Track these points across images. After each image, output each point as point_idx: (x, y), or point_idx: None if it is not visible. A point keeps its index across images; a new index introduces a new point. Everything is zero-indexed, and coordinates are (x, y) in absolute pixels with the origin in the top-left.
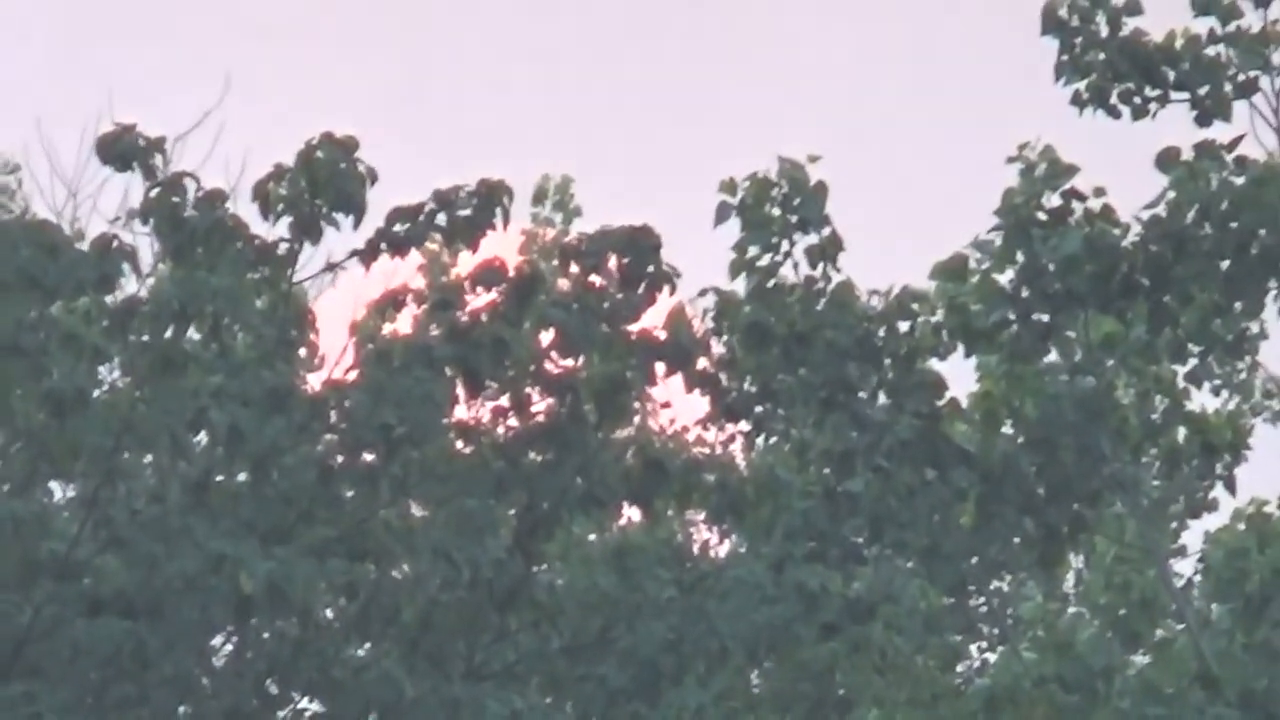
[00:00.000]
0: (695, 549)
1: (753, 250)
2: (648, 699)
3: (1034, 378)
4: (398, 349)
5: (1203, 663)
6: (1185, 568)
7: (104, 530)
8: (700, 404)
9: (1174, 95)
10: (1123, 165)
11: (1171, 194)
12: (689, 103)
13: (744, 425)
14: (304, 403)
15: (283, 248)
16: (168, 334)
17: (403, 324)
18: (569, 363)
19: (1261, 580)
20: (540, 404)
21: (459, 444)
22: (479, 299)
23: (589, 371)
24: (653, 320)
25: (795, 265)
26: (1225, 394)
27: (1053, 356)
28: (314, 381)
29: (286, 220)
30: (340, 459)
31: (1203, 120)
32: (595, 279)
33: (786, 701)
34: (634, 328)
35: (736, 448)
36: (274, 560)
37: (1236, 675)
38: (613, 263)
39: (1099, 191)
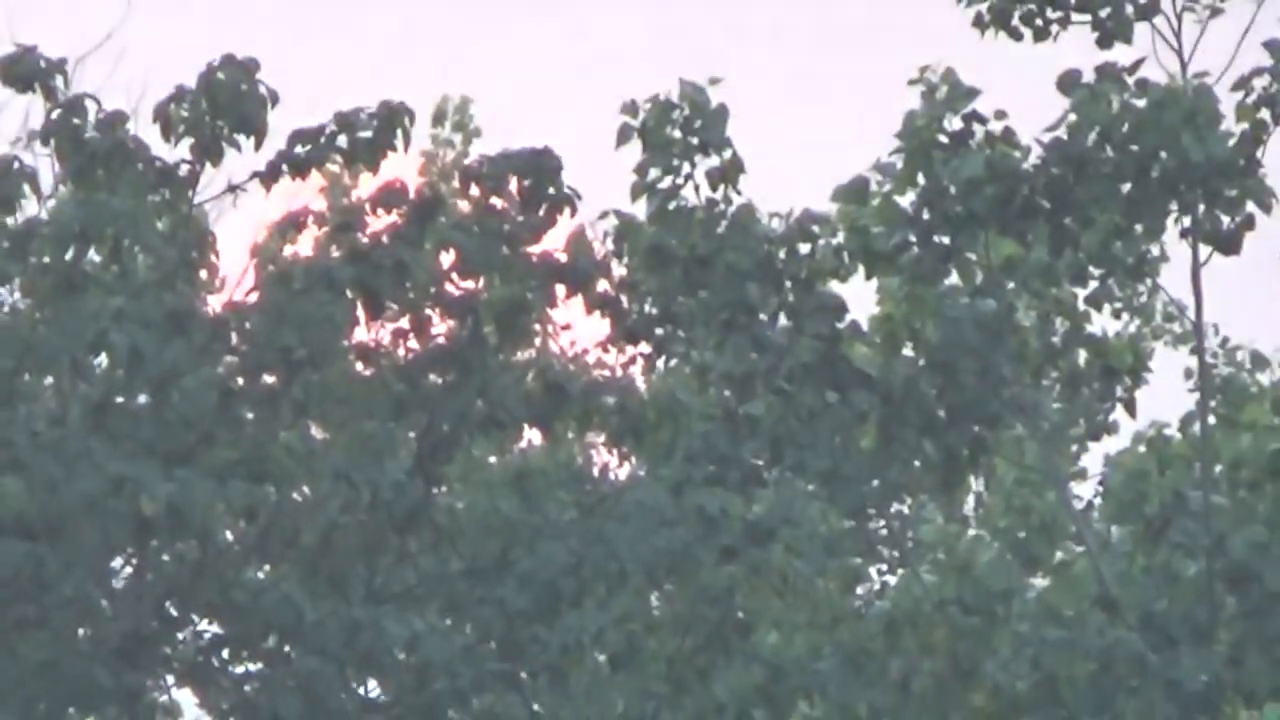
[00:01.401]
0: (595, 472)
1: (654, 173)
2: (547, 621)
3: (934, 300)
4: (298, 271)
5: (1102, 585)
6: (1085, 490)
7: (3, 452)
8: (601, 326)
9: (1075, 17)
10: (1024, 88)
11: (1072, 116)
12: (590, 21)
13: (644, 348)
14: (204, 325)
15: (184, 170)
16: (68, 256)
17: (303, 246)
18: (469, 285)
19: (1161, 503)
20: (441, 326)
21: (359, 366)
22: (379, 221)
23: (490, 294)
24: (553, 242)
25: (696, 188)
26: (1126, 317)
27: (953, 279)
28: (215, 304)
29: (188, 142)
30: (241, 381)
31: (1104, 42)
32: (496, 201)
33: (686, 624)
34: (535, 250)
35: (637, 370)
36: (174, 482)
37: (1136, 598)
38: (513, 185)
39: (1000, 114)
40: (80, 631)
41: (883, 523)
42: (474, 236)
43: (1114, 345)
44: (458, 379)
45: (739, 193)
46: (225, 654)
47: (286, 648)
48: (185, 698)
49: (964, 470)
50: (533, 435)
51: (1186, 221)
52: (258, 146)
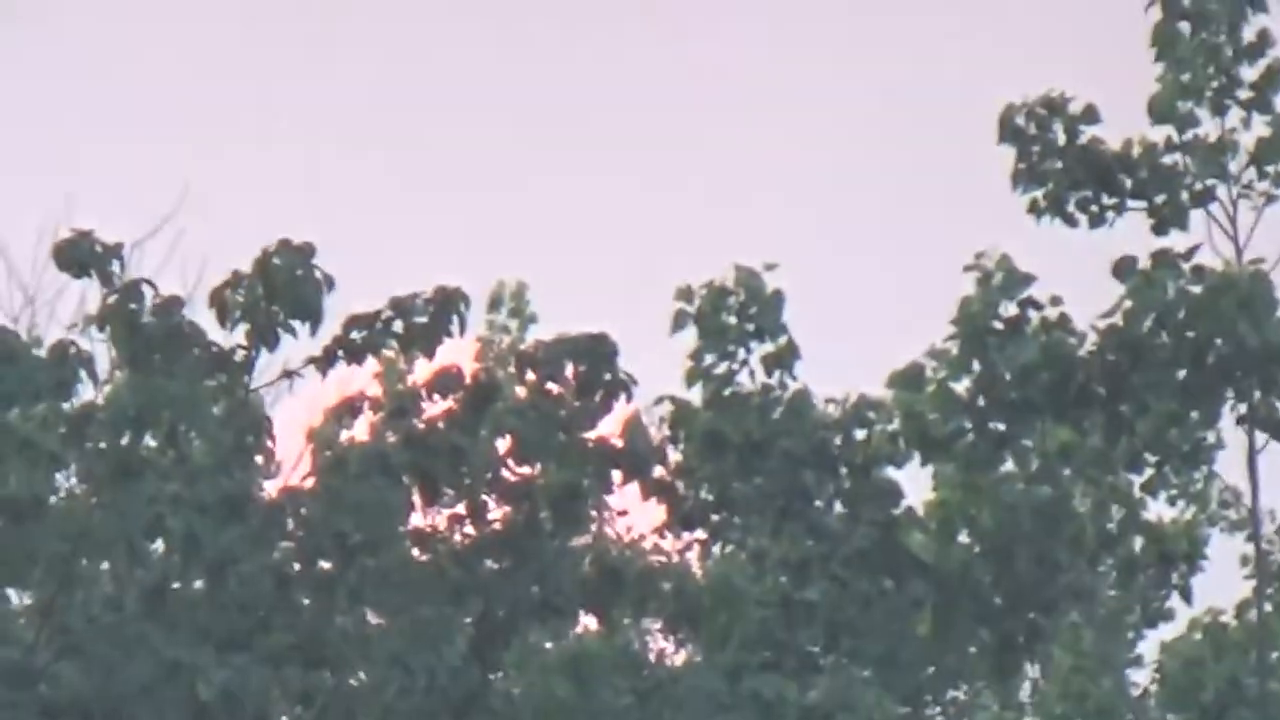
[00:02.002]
0: (651, 657)
1: (709, 358)
2: None
3: (990, 487)
4: (354, 456)
5: None
6: (1141, 677)
7: (60, 637)
8: (657, 512)
9: (1131, 204)
10: (1079, 274)
11: (1128, 303)
12: (646, 209)
13: (700, 533)
14: (261, 510)
15: (239, 354)
16: (124, 441)
17: (359, 431)
18: (526, 470)
19: (1217, 690)
20: (497, 511)
21: (415, 552)
22: (435, 406)
23: (546, 479)
24: (609, 428)
25: (751, 373)
26: (1181, 503)
27: (1009, 465)
28: (270, 489)
29: (243, 327)
30: (297, 566)
31: (1159, 229)
32: (552, 386)
33: None
34: (590, 435)
35: (693, 556)
36: (230, 668)
37: None
38: (569, 370)
39: (1055, 300)
40: None
41: (938, 710)
42: (530, 422)
43: (1170, 531)
44: (514, 564)
45: (794, 378)
46: None
47: None
48: None
49: (1020, 657)
50: (589, 621)
51: (1242, 408)
52: (313, 331)
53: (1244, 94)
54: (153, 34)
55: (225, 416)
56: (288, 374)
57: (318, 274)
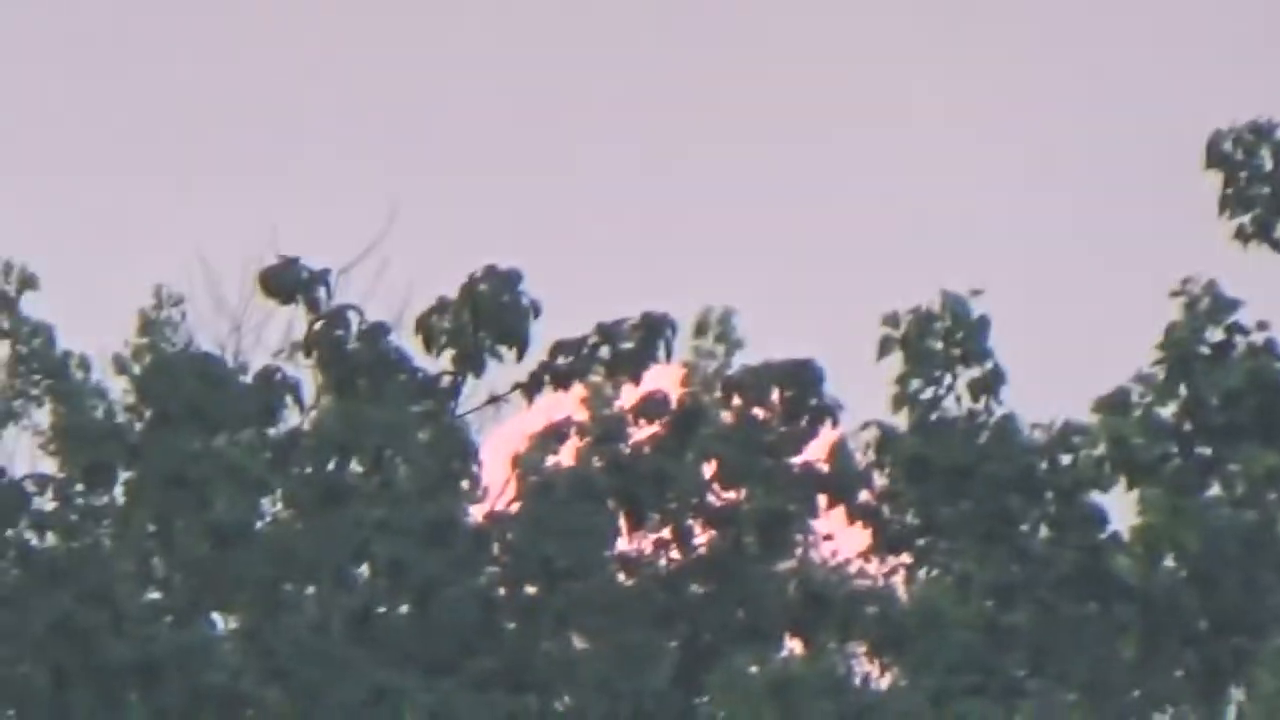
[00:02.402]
0: (857, 681)
1: (915, 383)
2: None
3: (1196, 511)
4: (560, 481)
5: None
6: None
7: (266, 661)
8: (862, 536)
9: None
10: None
11: None
12: (853, 235)
13: (906, 558)
14: (466, 535)
15: (445, 380)
16: (330, 466)
17: (565, 456)
18: (731, 495)
19: None
20: (702, 536)
21: (621, 576)
22: (641, 431)
23: (751, 503)
24: (815, 453)
25: (957, 398)
26: None
27: (1215, 490)
28: (476, 514)
29: (449, 353)
30: (502, 591)
31: None
32: (758, 411)
33: None
34: (796, 460)
35: (898, 580)
36: (436, 692)
37: None
38: (775, 395)
39: (1262, 325)
40: None
41: None
42: (735, 447)
43: None
44: (719, 589)
45: (1000, 403)
46: None
47: None
48: None
49: (1225, 680)
50: (794, 645)
51: None
52: (520, 357)
53: None
54: (354, 56)
55: (431, 442)
56: (494, 399)
57: (524, 300)
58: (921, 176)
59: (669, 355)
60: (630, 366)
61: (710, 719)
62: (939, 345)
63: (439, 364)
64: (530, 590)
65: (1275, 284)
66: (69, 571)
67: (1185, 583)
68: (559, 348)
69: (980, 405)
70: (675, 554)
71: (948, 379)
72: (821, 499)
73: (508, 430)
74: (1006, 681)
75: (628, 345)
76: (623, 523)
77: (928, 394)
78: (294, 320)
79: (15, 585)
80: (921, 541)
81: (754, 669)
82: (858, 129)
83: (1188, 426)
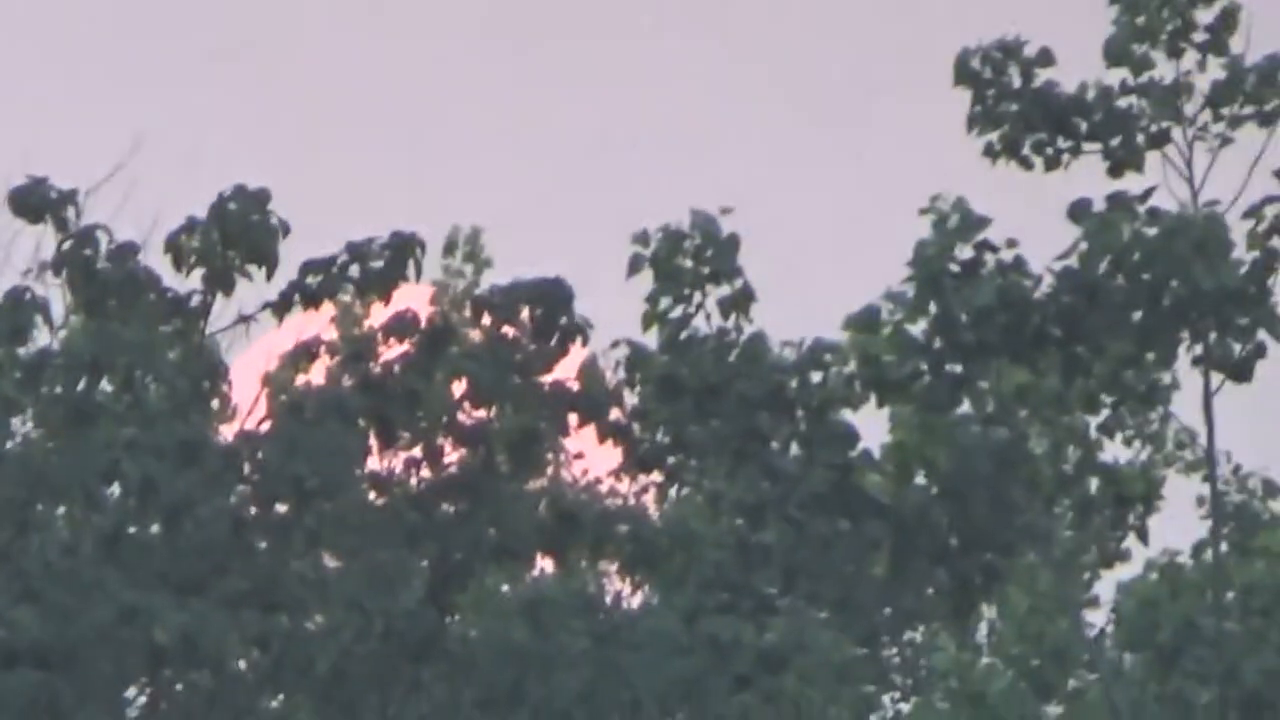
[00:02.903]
0: (608, 600)
1: (665, 302)
2: None
3: (947, 429)
4: (310, 401)
5: (1115, 713)
6: (1098, 618)
7: (17, 582)
8: (613, 455)
9: (1086, 146)
10: (1035, 217)
11: (1084, 245)
12: (600, 151)
13: (656, 476)
14: (217, 454)
15: (196, 300)
16: (80, 386)
17: (315, 375)
18: (482, 414)
19: (1173, 630)
20: (453, 455)
21: (372, 495)
22: (391, 350)
23: (502, 423)
24: (565, 372)
25: (708, 317)
26: (1138, 445)
27: (965, 407)
28: (227, 433)
29: (199, 272)
30: (253, 510)
31: (1115, 171)
32: (508, 330)
33: None
34: (547, 379)
35: (649, 499)
36: (187, 612)
37: None
38: (525, 314)
39: (1011, 243)
40: None
41: (895, 651)
42: (486, 365)
43: (1126, 473)
44: (470, 508)
45: (750, 321)
46: None
47: None
48: None
49: (976, 598)
50: (545, 564)
51: (1198, 349)
52: (269, 277)
53: (1199, 36)
54: None
55: (181, 362)
56: (244, 319)
57: (273, 220)
58: (669, 89)
59: (419, 274)
60: (380, 286)
61: (461, 638)
62: (689, 263)
63: (189, 284)
64: (281, 509)
65: (1024, 201)
66: None
67: (936, 500)
68: (308, 267)
69: (730, 324)
70: (426, 473)
71: (698, 297)
72: (572, 418)
73: (258, 350)
74: (758, 599)
75: (377, 264)
76: (373, 442)
77: (678, 312)
78: (43, 240)
79: None
80: (672, 460)
81: (505, 588)
82: (606, 40)
83: (938, 344)
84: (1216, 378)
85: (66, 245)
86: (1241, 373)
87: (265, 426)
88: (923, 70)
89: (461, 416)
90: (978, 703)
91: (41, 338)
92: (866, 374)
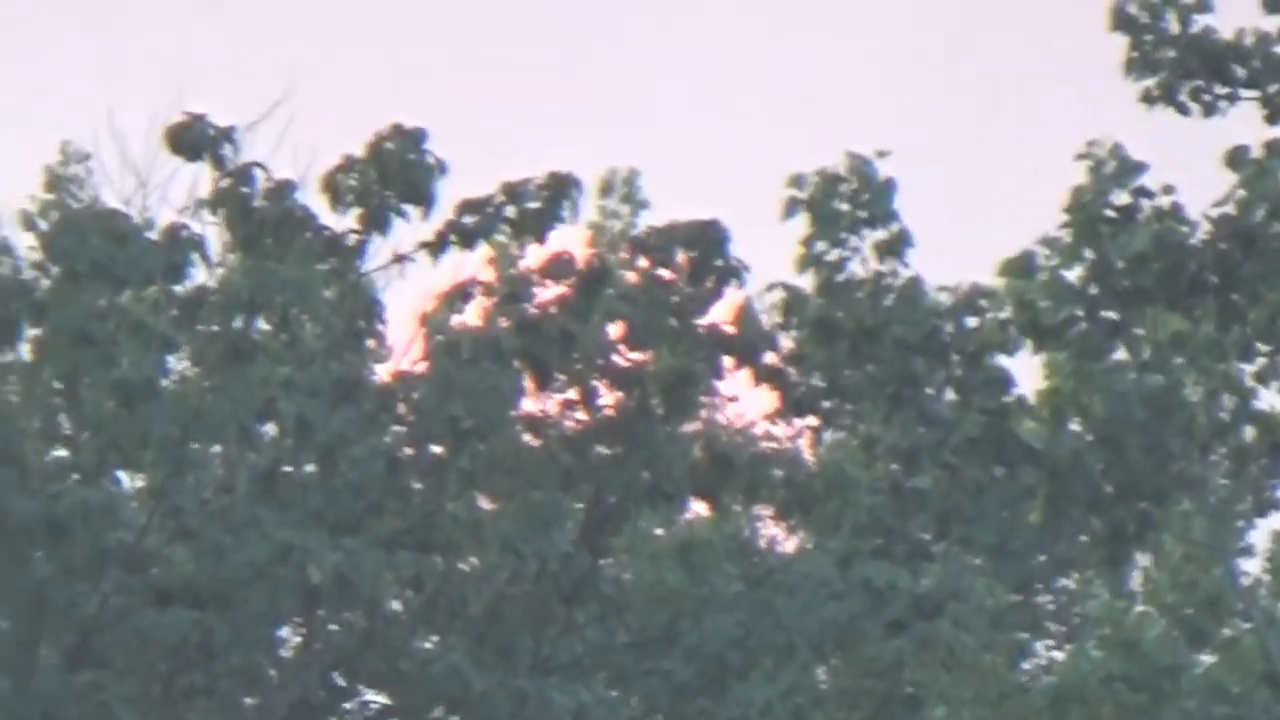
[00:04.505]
0: (762, 544)
1: (820, 245)
2: (714, 694)
3: (1102, 375)
4: (466, 341)
5: (1269, 662)
6: (1252, 566)
7: (172, 520)
8: (768, 398)
9: (1243, 93)
10: (1192, 163)
11: (1240, 192)
12: (759, 96)
13: (811, 420)
14: (372, 394)
15: (351, 239)
16: (236, 324)
17: (471, 316)
18: (637, 356)
19: None
20: (608, 397)
21: (526, 437)
22: (547, 291)
23: (657, 365)
24: (721, 314)
25: (863, 260)
26: None
27: (1120, 354)
28: (382, 373)
29: (355, 211)
30: (408, 450)
31: (1272, 118)
32: (663, 272)
33: (853, 698)
34: (702, 322)
35: (804, 443)
36: (342, 551)
37: None
38: (680, 256)
39: (1167, 189)
40: (248, 700)
41: (1049, 598)
42: (641, 308)
43: None
44: (625, 450)
45: (906, 265)
46: None
47: (454, 718)
48: None
49: (1131, 546)
50: (699, 507)
51: None
52: (425, 216)
53: None
54: None
55: (337, 300)
56: (399, 258)
57: (430, 158)
58: (831, 35)
59: (575, 215)
60: (536, 226)
61: (615, 580)
62: (845, 207)
63: (345, 222)
64: (436, 450)
65: (1180, 147)
66: None
67: (1090, 447)
68: (465, 206)
69: (886, 268)
70: (581, 415)
71: (853, 241)
72: (727, 360)
73: (413, 289)
74: (912, 545)
75: (534, 205)
76: (529, 383)
77: (833, 256)
78: (200, 177)
79: None
80: (827, 404)
81: (659, 531)
82: None
83: (1093, 290)
84: None
85: (223, 183)
86: None
87: (420, 367)
88: (1079, 14)
89: (617, 358)
90: (1131, 650)
91: (198, 275)
92: (1022, 319)
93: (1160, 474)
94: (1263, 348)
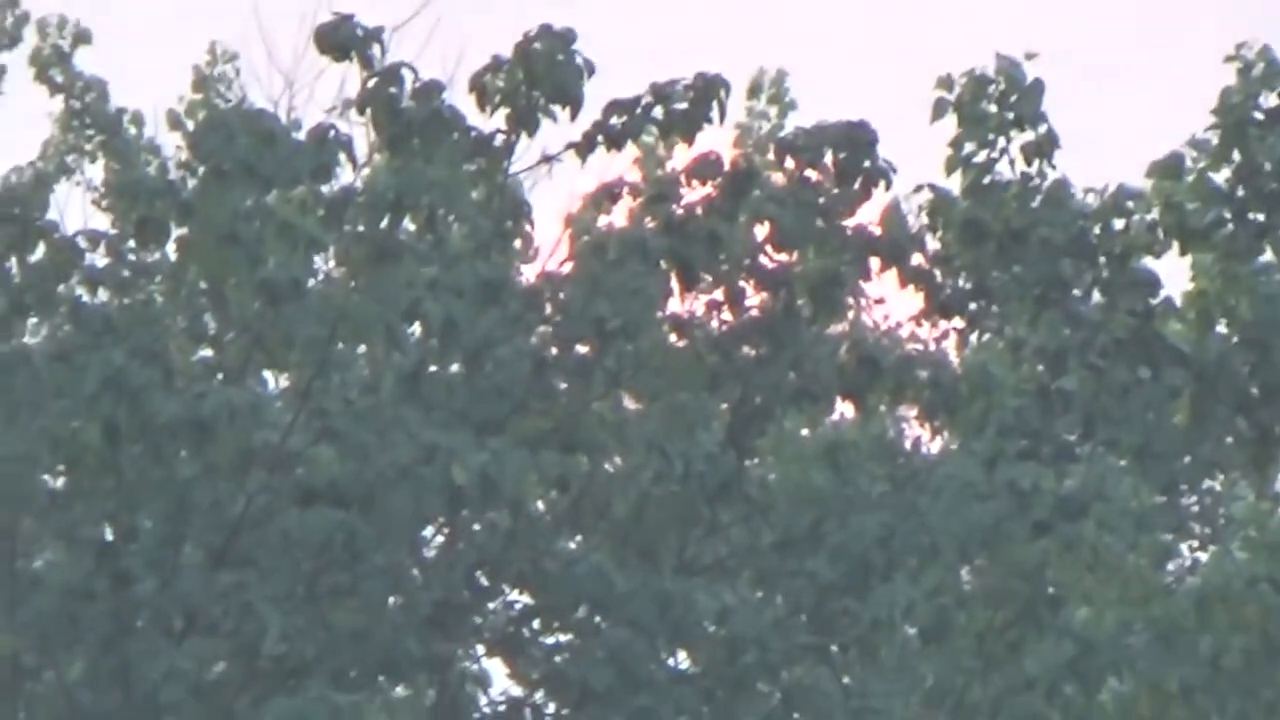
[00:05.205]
0: (907, 445)
1: (968, 147)
2: (858, 595)
3: (1249, 277)
4: (612, 242)
5: None
6: None
7: (317, 420)
8: (914, 300)
9: None
10: None
11: None
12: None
13: (958, 322)
14: (518, 295)
15: (499, 139)
16: (383, 224)
17: (618, 217)
18: (784, 257)
19: None
20: (754, 298)
21: (672, 338)
22: (694, 193)
23: (804, 266)
24: (868, 216)
25: (1011, 162)
26: None
27: (1268, 256)
28: (529, 274)
29: (503, 112)
30: (554, 351)
31: None
32: (811, 174)
33: (998, 599)
34: (849, 223)
35: (950, 344)
36: (486, 451)
37: None
38: (828, 158)
39: None
40: (392, 600)
41: (1194, 499)
42: (788, 209)
43: None
44: (771, 351)
45: (1054, 168)
46: (536, 624)
47: (597, 619)
48: (495, 667)
49: (1276, 448)
50: (845, 408)
51: None
52: (573, 117)
53: None
54: None
55: (484, 201)
56: (547, 159)
57: (578, 59)
58: None
59: (723, 117)
60: (684, 127)
61: (760, 481)
62: (993, 109)
63: (493, 123)
64: (582, 350)
65: None
66: (121, 329)
67: (1237, 349)
68: (612, 108)
69: (1034, 170)
70: (727, 316)
71: (1001, 143)
72: (874, 262)
73: (560, 190)
74: (1058, 446)
75: (681, 106)
76: (675, 284)
77: (981, 157)
78: (348, 78)
79: (67, 342)
80: (973, 306)
81: (805, 432)
82: None
83: (1241, 192)
84: None
85: (371, 83)
86: None
87: (567, 267)
88: None
89: (763, 260)
90: (1276, 552)
91: (345, 176)
92: (1169, 221)
93: None
94: None
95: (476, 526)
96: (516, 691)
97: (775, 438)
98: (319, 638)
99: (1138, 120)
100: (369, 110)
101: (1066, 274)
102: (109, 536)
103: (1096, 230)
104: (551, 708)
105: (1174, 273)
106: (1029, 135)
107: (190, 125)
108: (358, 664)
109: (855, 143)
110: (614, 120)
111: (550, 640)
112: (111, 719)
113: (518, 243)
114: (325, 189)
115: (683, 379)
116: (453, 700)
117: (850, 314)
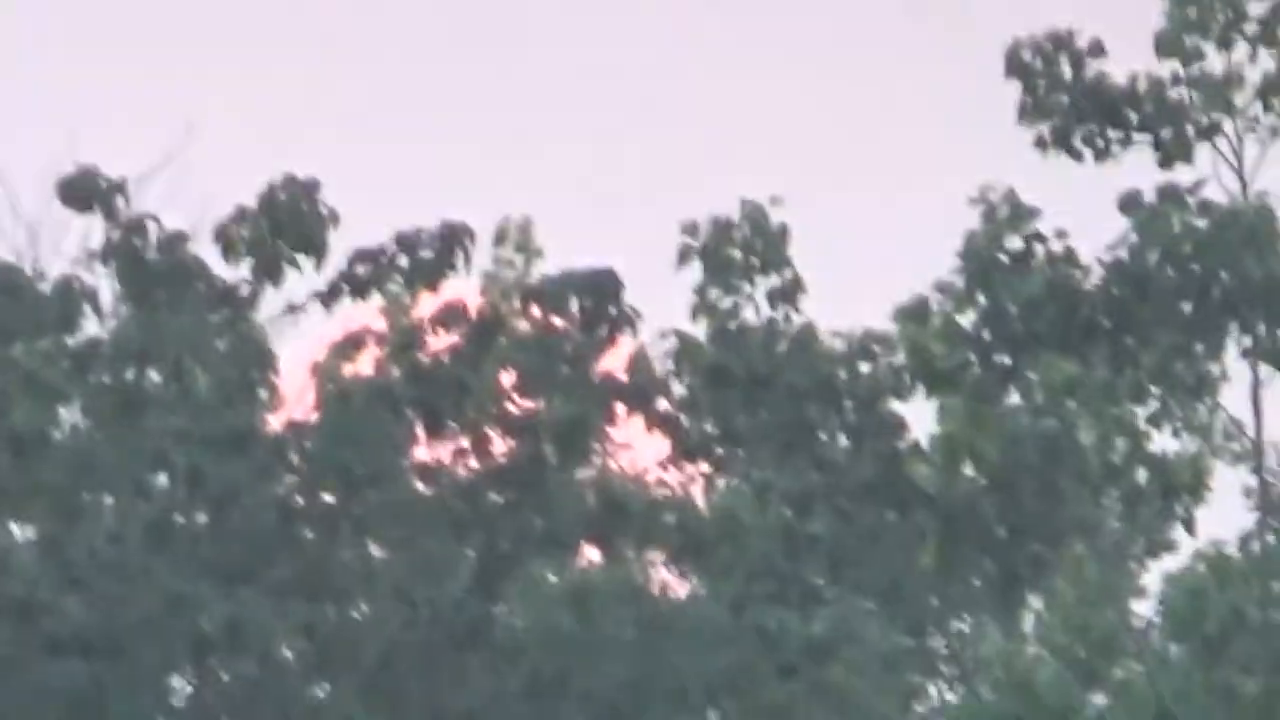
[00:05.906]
0: (655, 589)
1: (714, 292)
2: None
3: (995, 419)
4: (358, 390)
5: (1162, 703)
6: (1145, 608)
7: (64, 571)
8: (661, 445)
9: (1136, 138)
10: (1085, 208)
11: (1134, 236)
12: (650, 145)
13: (704, 466)
14: (265, 443)
15: (244, 289)
16: (128, 375)
17: (364, 365)
18: (530, 404)
19: (1220, 621)
20: (501, 445)
21: (419, 485)
22: (440, 340)
23: (550, 412)
24: (614, 362)
25: (757, 307)
26: (1185, 436)
27: (1014, 398)
28: (275, 422)
29: (248, 262)
30: (300, 500)
31: (1165, 163)
32: (557, 320)
33: None
34: (595, 369)
35: (697, 488)
36: (233, 601)
37: (1196, 716)
38: (574, 304)
39: (1061, 234)
40: None
41: (942, 640)
42: (534, 355)
43: (1174, 464)
44: (518, 497)
45: (799, 312)
46: None
47: None
48: None
49: (1024, 588)
50: (592, 553)
51: (1247, 341)
52: (318, 266)
53: (1250, 28)
54: None
55: (229, 351)
56: (292, 308)
57: (323, 209)
58: (718, 85)
59: (468, 265)
60: (429, 276)
61: (508, 627)
62: (738, 254)
63: (238, 273)
64: (329, 499)
65: (1074, 193)
66: None
67: (984, 491)
68: (357, 257)
69: (779, 314)
70: (474, 463)
71: (747, 288)
72: (620, 407)
73: (306, 339)
74: (805, 589)
75: (426, 254)
76: (421, 431)
77: (727, 303)
78: (91, 229)
79: None
80: (720, 450)
81: (552, 577)
82: (655, 31)
83: (987, 335)
84: (1265, 369)
85: (115, 234)
86: None
87: (313, 416)
88: (973, 61)
89: (510, 406)
90: (1024, 692)
91: (90, 327)
92: (915, 364)
93: (1053, 517)
94: (1155, 391)
95: (225, 675)
96: None
97: (523, 583)
98: None
99: (883, 264)
100: (114, 262)
101: (813, 418)
102: None
103: (843, 374)
104: None
105: (921, 416)
106: (774, 280)
107: None
108: None
109: (601, 289)
110: (359, 269)
111: None
112: None
113: (264, 392)
114: (71, 340)
115: (429, 526)
116: None
117: (597, 459)
